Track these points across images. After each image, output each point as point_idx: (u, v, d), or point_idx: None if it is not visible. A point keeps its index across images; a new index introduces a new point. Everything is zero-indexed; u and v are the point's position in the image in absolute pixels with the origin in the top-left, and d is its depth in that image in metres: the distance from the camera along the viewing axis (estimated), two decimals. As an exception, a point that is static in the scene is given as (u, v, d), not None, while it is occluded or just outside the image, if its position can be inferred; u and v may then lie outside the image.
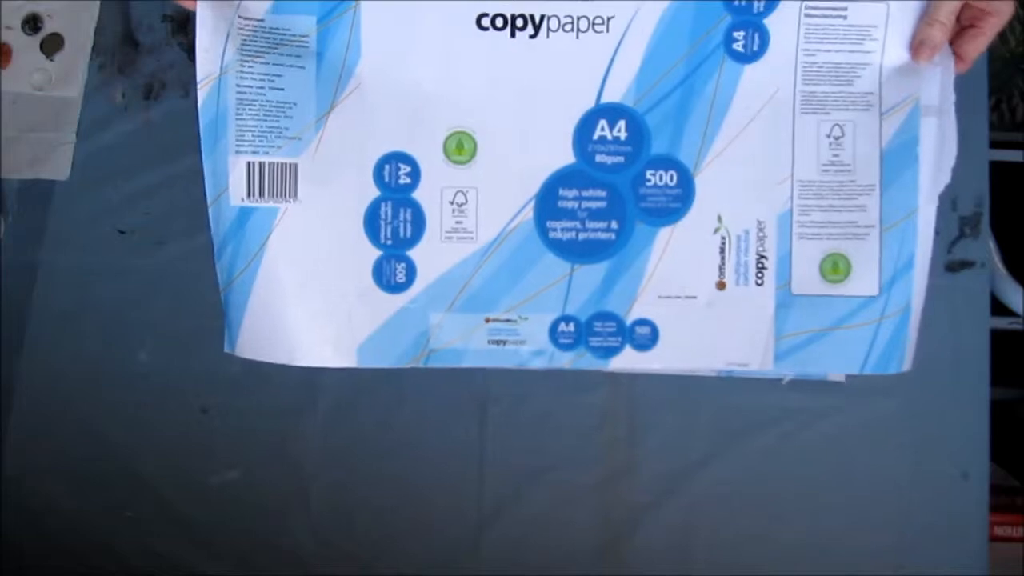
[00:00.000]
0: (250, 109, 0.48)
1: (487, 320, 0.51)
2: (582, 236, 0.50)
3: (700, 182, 0.50)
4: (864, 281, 0.50)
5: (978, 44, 0.48)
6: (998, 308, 0.67)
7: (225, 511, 0.61)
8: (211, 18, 0.47)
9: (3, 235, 0.63)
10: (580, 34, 0.49)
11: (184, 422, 0.62)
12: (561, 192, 0.50)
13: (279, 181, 0.49)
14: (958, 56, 0.48)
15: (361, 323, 0.51)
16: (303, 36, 0.49)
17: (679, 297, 0.51)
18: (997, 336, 0.61)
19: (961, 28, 0.48)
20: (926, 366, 0.52)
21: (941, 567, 0.60)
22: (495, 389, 0.61)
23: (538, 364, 0.51)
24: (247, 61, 0.48)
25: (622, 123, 0.50)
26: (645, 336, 0.51)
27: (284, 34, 0.48)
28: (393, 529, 0.61)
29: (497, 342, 0.51)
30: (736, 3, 0.49)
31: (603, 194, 0.50)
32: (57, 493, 0.62)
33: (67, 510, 0.62)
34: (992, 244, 0.65)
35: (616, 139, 0.50)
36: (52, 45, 0.65)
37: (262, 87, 0.48)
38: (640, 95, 0.50)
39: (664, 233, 0.50)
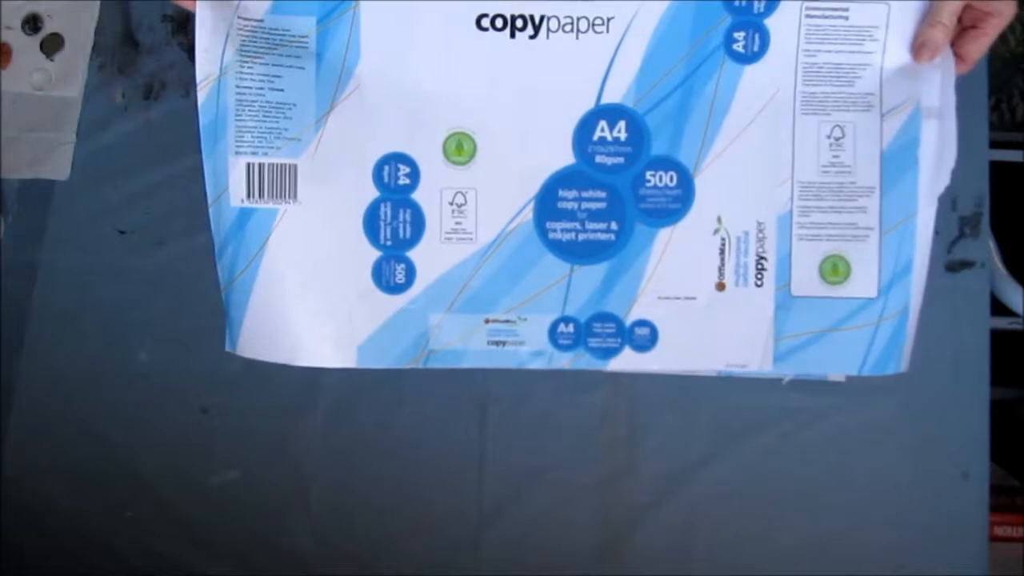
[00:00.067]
0: (250, 110, 0.48)
1: (486, 321, 0.51)
2: (582, 237, 0.50)
3: (700, 183, 0.50)
4: (863, 283, 0.50)
5: (980, 45, 0.47)
6: (998, 308, 0.67)
7: (225, 511, 0.61)
8: (211, 18, 0.47)
9: (3, 235, 0.63)
10: (580, 35, 0.49)
11: (184, 422, 0.62)
12: (561, 193, 0.50)
13: (279, 182, 0.49)
14: (960, 57, 0.48)
15: (361, 323, 0.51)
16: (303, 37, 0.49)
17: (679, 298, 0.51)
18: (997, 336, 0.61)
19: (962, 29, 0.48)
20: (926, 366, 0.53)
21: (941, 567, 0.60)
22: (495, 389, 0.61)
23: (537, 365, 0.51)
24: (247, 62, 0.48)
25: (622, 124, 0.50)
26: (644, 337, 0.51)
27: (284, 35, 0.48)
28: (393, 529, 0.61)
29: (496, 343, 0.51)
30: (736, 3, 0.49)
31: (603, 195, 0.50)
32: (57, 493, 0.62)
33: (67, 510, 0.62)
34: (992, 244, 0.65)
35: (616, 140, 0.50)
36: (52, 45, 0.65)
37: (262, 88, 0.48)
38: (640, 96, 0.49)
39: (664, 234, 0.50)
